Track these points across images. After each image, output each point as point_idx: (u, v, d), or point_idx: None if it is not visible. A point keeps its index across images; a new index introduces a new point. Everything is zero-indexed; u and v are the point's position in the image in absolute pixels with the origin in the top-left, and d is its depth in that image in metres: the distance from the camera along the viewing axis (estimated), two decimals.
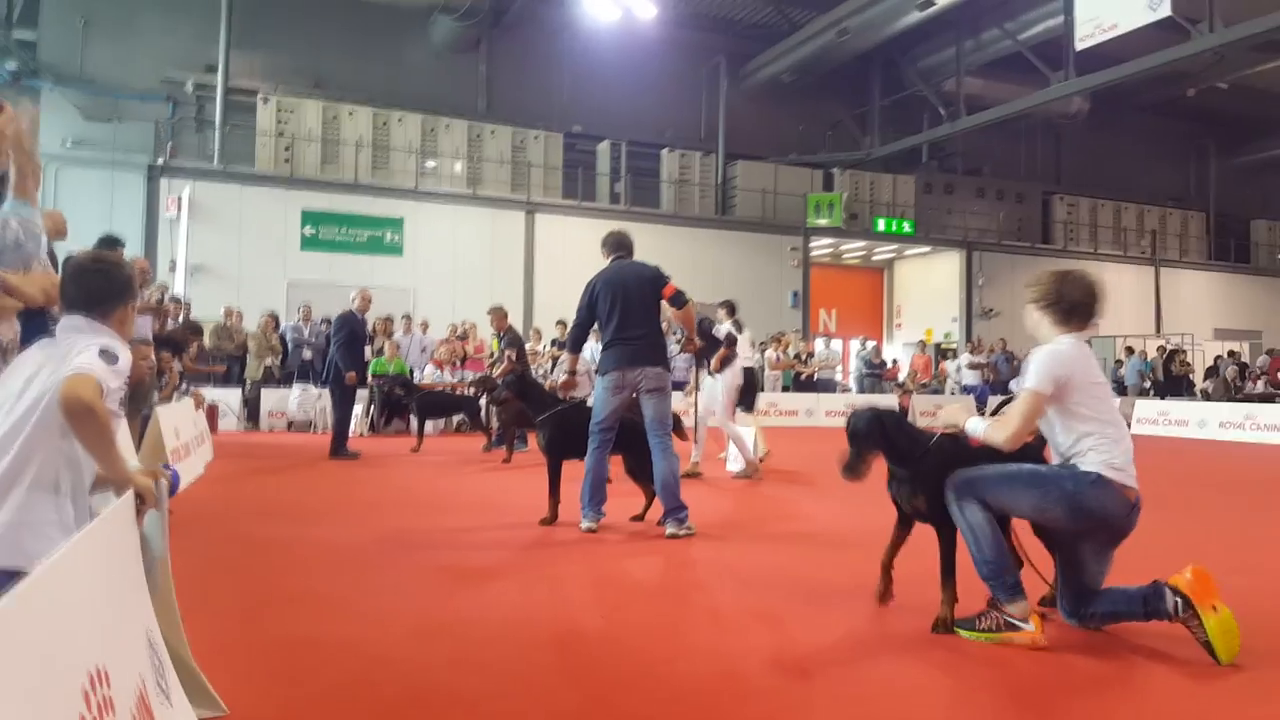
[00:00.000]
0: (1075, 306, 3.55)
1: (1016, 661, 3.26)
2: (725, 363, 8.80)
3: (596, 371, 5.94)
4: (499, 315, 11.65)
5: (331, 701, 2.77)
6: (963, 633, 3.52)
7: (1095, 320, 3.60)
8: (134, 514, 2.10)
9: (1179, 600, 3.24)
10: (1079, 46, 17.16)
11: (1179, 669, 3.18)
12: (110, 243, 6.89)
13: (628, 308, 5.75)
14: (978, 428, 3.54)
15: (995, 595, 3.48)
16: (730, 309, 10.67)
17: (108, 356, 2.28)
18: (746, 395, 9.70)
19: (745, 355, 10.88)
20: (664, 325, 6.80)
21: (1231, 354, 22.85)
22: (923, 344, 22.97)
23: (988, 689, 3.01)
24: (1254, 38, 16.16)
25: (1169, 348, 22.02)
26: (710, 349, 8.75)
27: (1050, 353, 3.49)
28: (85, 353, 2.25)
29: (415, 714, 2.69)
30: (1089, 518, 3.41)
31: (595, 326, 6.06)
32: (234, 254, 18.21)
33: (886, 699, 2.87)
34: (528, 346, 14.15)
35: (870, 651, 3.39)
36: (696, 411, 8.87)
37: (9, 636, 1.17)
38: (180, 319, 11.80)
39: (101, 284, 2.52)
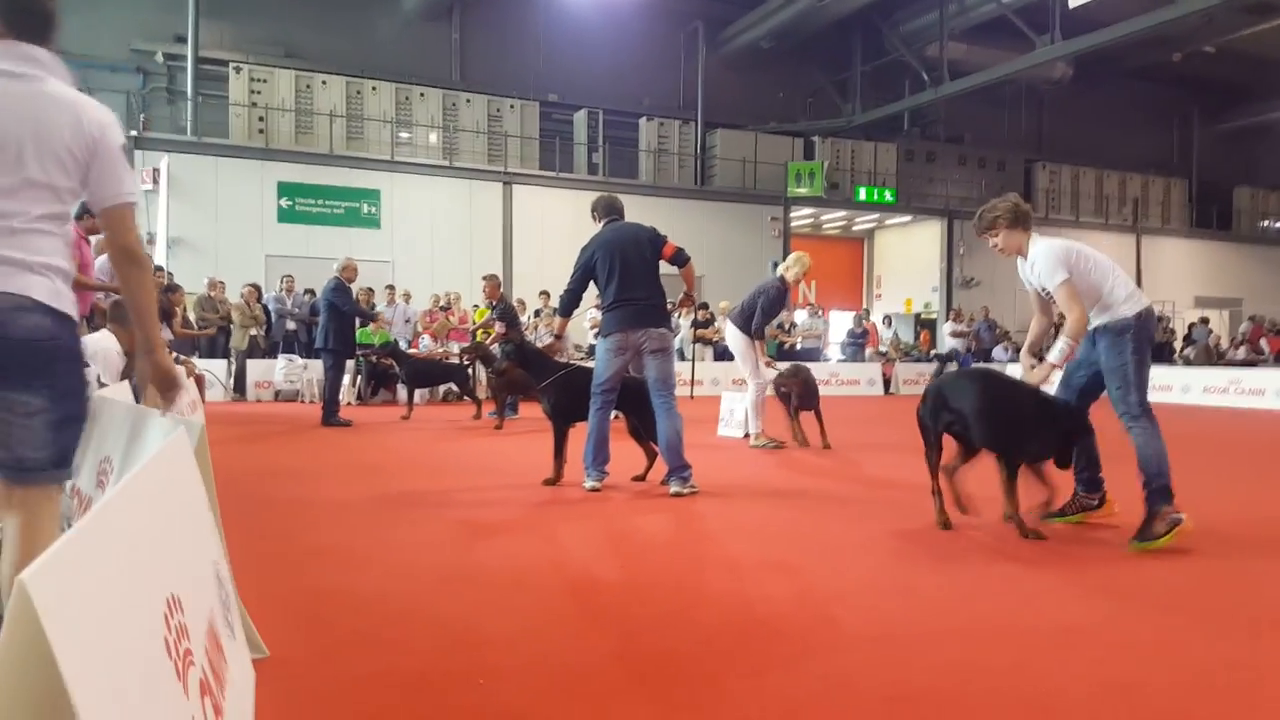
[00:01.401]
0: (1025, 213, 4.68)
1: (1036, 595, 3.31)
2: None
3: (598, 334, 5.89)
4: (493, 284, 11.60)
5: (370, 643, 2.76)
6: (1140, 545, 4.18)
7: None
8: (190, 446, 2.04)
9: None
10: (1072, 4, 17.09)
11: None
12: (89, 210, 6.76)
13: (627, 269, 5.71)
14: (1057, 351, 4.45)
15: (1159, 503, 4.23)
16: None
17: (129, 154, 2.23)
18: None
19: None
20: None
21: (1204, 320, 23.15)
22: (868, 312, 23.10)
23: (1010, 626, 3.03)
24: None
25: None
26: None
27: (1045, 251, 4.49)
28: (123, 164, 2.15)
29: (454, 653, 2.68)
30: (1153, 338, 4.61)
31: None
32: (211, 227, 17.92)
33: (914, 639, 2.89)
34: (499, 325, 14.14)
35: (889, 596, 3.42)
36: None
37: (99, 551, 1.14)
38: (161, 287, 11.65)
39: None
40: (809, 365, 18.42)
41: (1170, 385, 16.59)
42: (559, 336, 6.33)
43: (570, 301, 6.01)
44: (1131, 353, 4.39)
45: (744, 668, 2.61)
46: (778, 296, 8.30)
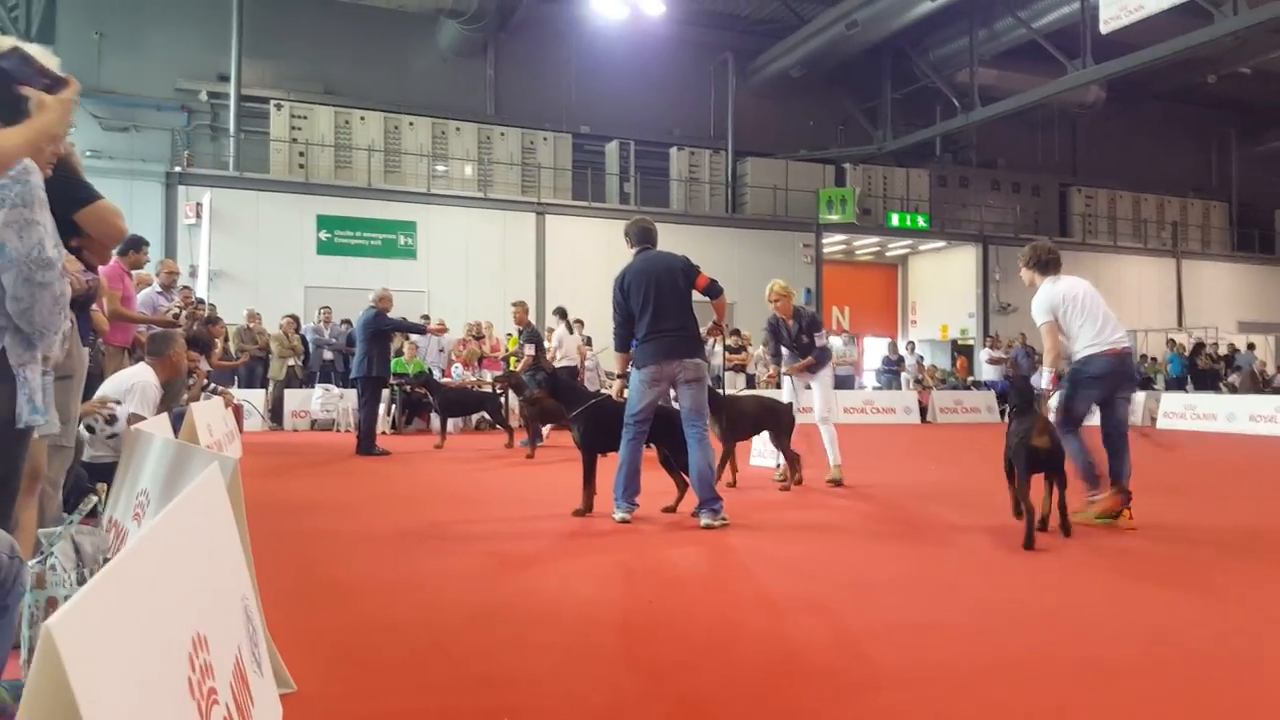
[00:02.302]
0: (1047, 261, 5.98)
1: (1075, 631, 3.23)
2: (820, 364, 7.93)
3: (632, 365, 5.86)
4: (521, 309, 11.90)
5: (396, 680, 2.76)
6: (1079, 516, 5.37)
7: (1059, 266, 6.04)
8: (223, 481, 2.06)
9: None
10: (1104, 30, 16.93)
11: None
12: (136, 243, 6.93)
13: (660, 300, 5.69)
14: (1042, 380, 5.82)
15: (1090, 485, 5.56)
16: (562, 314, 12.12)
17: None
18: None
19: (570, 356, 12.17)
20: None
21: (1250, 346, 22.64)
22: (854, 338, 22.86)
23: (1050, 664, 2.96)
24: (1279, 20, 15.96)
25: (1193, 341, 21.87)
26: (806, 351, 7.88)
27: (1043, 294, 5.84)
28: None
29: (479, 691, 2.67)
30: (1095, 380, 5.65)
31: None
32: (252, 259, 18.29)
33: (952, 679, 2.83)
34: (529, 349, 14.31)
35: (924, 633, 3.34)
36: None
37: (123, 596, 1.15)
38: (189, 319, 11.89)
39: None
40: (844, 392, 18.34)
41: (1214, 414, 16.18)
42: (623, 376, 6.17)
43: (625, 335, 5.91)
44: (1066, 391, 5.75)
45: (777, 711, 2.56)
46: (768, 328, 8.11)
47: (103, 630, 1.05)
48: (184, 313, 8.47)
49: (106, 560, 2.82)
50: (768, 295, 7.91)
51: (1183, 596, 3.95)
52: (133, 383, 5.33)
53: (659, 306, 5.69)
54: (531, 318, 18.75)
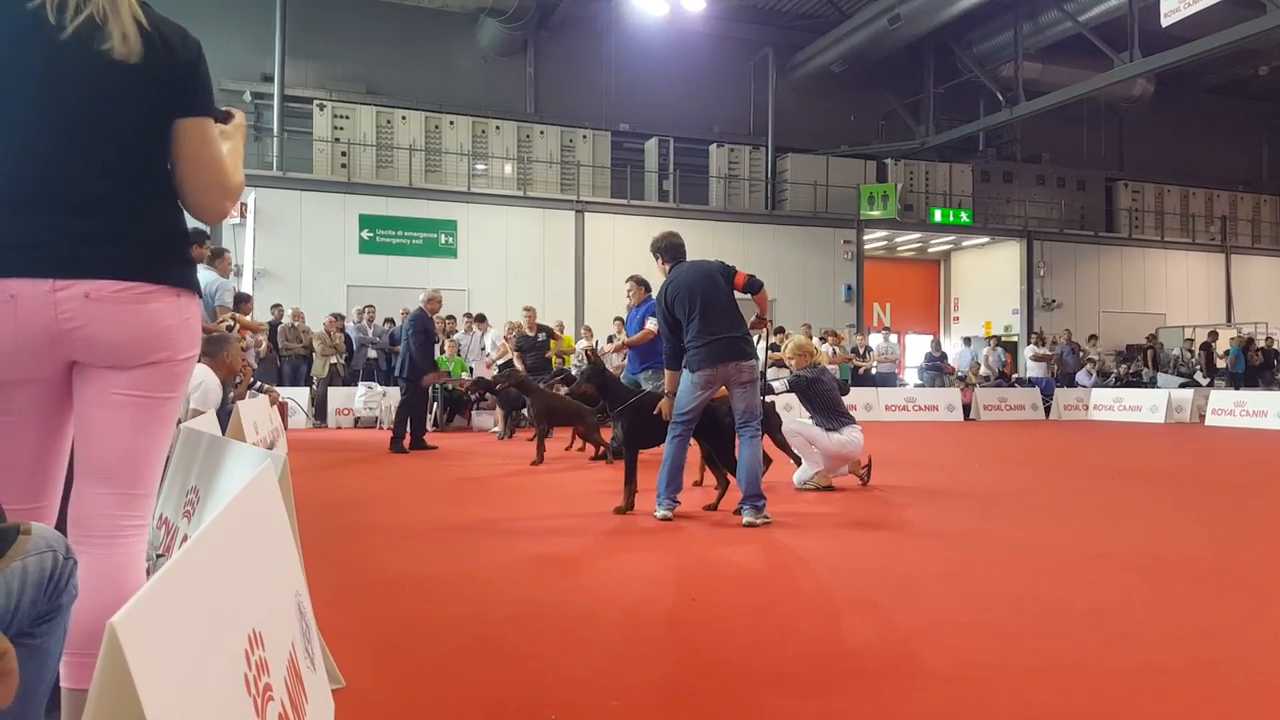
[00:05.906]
0: None
1: (1126, 634, 3.17)
2: None
3: (685, 366, 5.83)
4: (530, 315, 12.97)
5: (444, 676, 2.78)
6: None
7: None
8: (275, 478, 2.08)
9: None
10: (1166, 23, 16.68)
11: None
12: (199, 237, 7.00)
13: (706, 307, 5.71)
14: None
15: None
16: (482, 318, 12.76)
17: None
18: None
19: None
20: None
21: None
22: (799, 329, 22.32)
23: (1098, 666, 2.90)
24: None
25: (1244, 336, 21.36)
26: None
27: None
28: None
29: (525, 688, 2.68)
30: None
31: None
32: (295, 259, 18.55)
33: (998, 679, 2.79)
34: (581, 344, 14.50)
35: (971, 632, 3.30)
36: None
37: (184, 593, 1.17)
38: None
39: None
40: (886, 389, 18.10)
41: (1265, 411, 15.84)
42: (673, 393, 6.05)
43: (674, 353, 5.92)
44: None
45: (822, 708, 2.55)
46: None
47: (164, 627, 1.07)
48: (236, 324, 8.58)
49: (160, 557, 2.87)
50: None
51: (1235, 598, 3.85)
52: (198, 381, 5.42)
53: (706, 311, 5.70)
54: (572, 316, 19.06)
